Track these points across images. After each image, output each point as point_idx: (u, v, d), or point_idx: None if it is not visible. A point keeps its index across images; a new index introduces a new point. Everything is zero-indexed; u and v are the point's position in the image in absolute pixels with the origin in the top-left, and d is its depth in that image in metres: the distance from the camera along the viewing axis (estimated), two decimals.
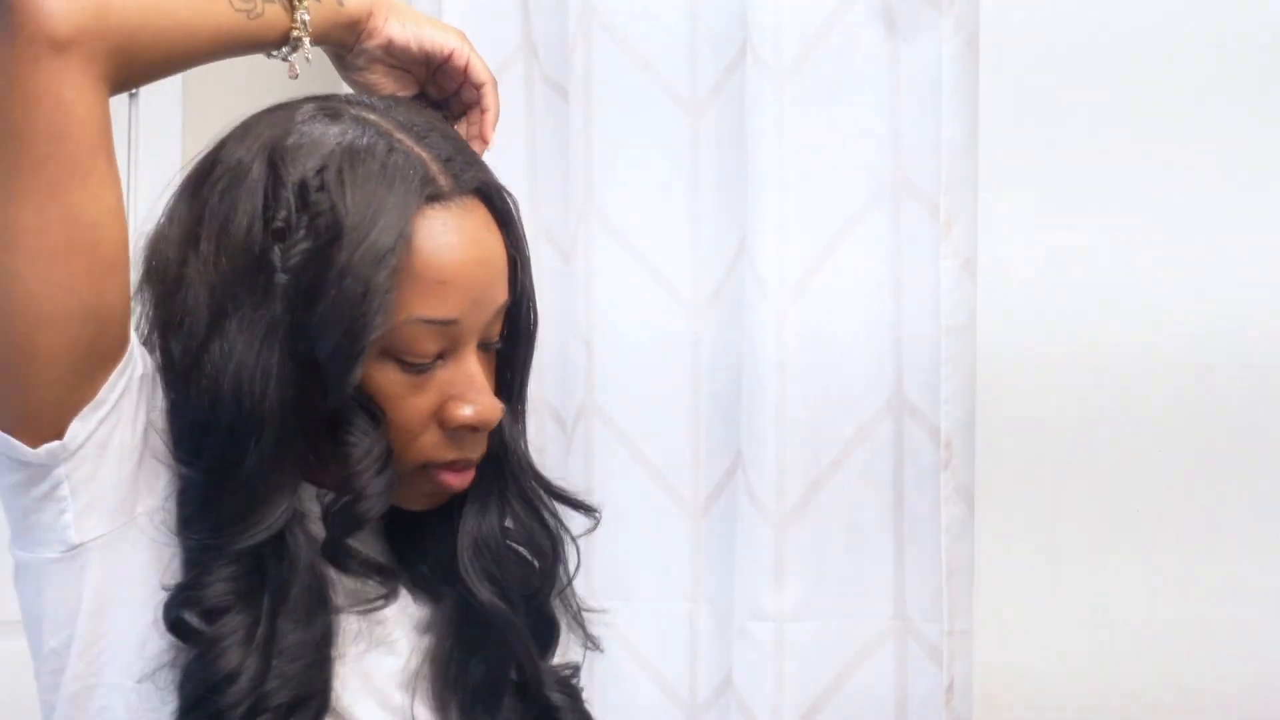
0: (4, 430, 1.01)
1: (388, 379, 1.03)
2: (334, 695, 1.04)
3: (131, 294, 1.03)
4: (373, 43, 1.15)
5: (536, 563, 1.13)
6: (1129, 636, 1.60)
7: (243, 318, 1.00)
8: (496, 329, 1.06)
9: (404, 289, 1.00)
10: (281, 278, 0.99)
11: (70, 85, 0.96)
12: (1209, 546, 1.56)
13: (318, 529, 1.05)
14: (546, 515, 1.13)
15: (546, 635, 1.16)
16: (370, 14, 1.14)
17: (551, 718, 1.14)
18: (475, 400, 1.03)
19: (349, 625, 1.07)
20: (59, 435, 1.00)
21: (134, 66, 1.02)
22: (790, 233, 1.88)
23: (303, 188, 1.00)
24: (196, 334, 1.01)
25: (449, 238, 1.01)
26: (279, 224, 0.99)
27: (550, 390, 2.09)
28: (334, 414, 1.01)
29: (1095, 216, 1.62)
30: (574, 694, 1.16)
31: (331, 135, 1.02)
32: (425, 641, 1.11)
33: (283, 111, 1.07)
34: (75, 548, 1.02)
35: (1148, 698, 1.59)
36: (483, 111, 1.17)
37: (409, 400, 1.03)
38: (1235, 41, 1.56)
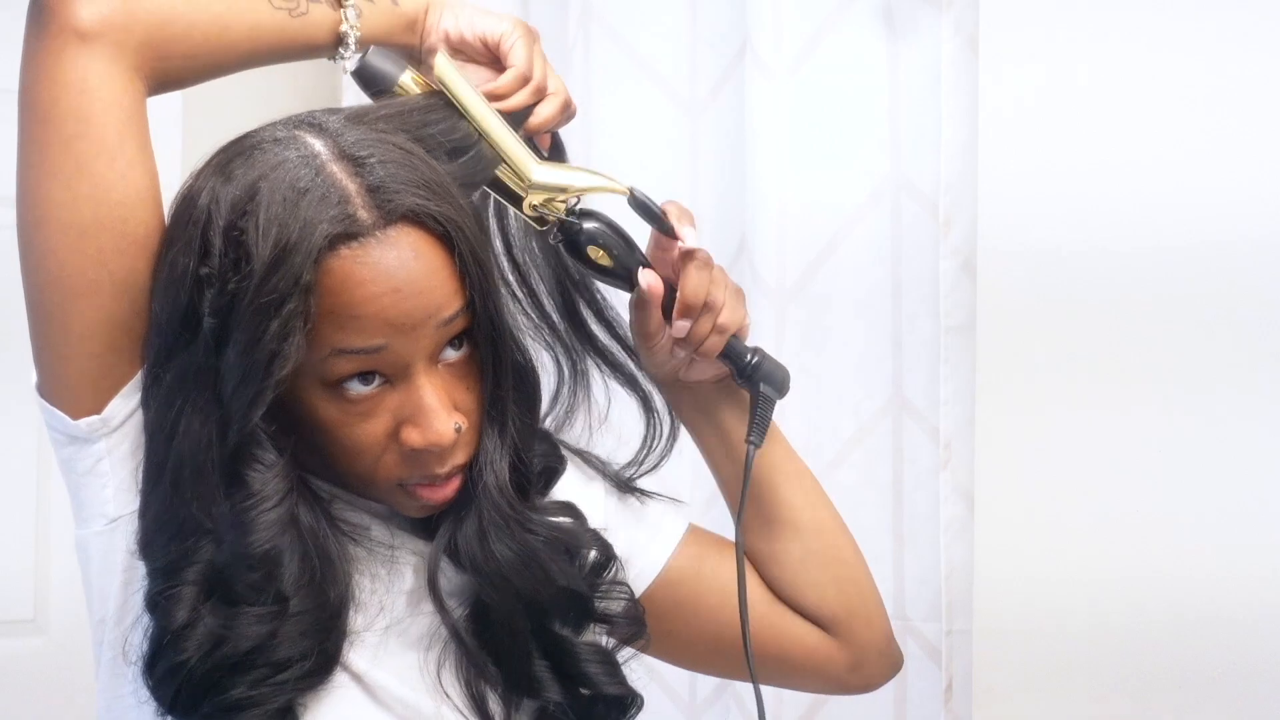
0: (49, 401, 1.06)
1: (331, 409, 1.03)
2: (352, 661, 1.07)
3: None
4: (432, 39, 1.17)
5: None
6: (1130, 637, 1.60)
7: (174, 359, 1.02)
8: (445, 339, 1.05)
9: (322, 324, 1.00)
10: (209, 323, 1.01)
11: (95, 73, 1.02)
12: (1211, 544, 1.56)
13: (310, 513, 1.06)
14: (526, 541, 1.11)
15: (579, 610, 1.15)
16: (426, 11, 1.17)
17: (590, 686, 1.15)
18: (423, 424, 1.03)
19: (372, 600, 1.10)
20: (98, 410, 1.04)
21: (169, 60, 1.06)
22: (790, 232, 1.88)
23: (229, 233, 1.01)
24: (149, 365, 1.04)
25: (361, 273, 1.00)
26: (206, 270, 1.01)
27: (550, 390, 2.09)
28: (235, 449, 1.02)
29: (1096, 217, 1.62)
30: (612, 663, 1.16)
31: (266, 169, 1.02)
32: (457, 613, 1.12)
33: (247, 139, 1.07)
34: (115, 520, 1.06)
35: (1149, 698, 1.59)
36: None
37: (359, 427, 1.04)
38: (1241, 40, 1.56)
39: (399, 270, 1.01)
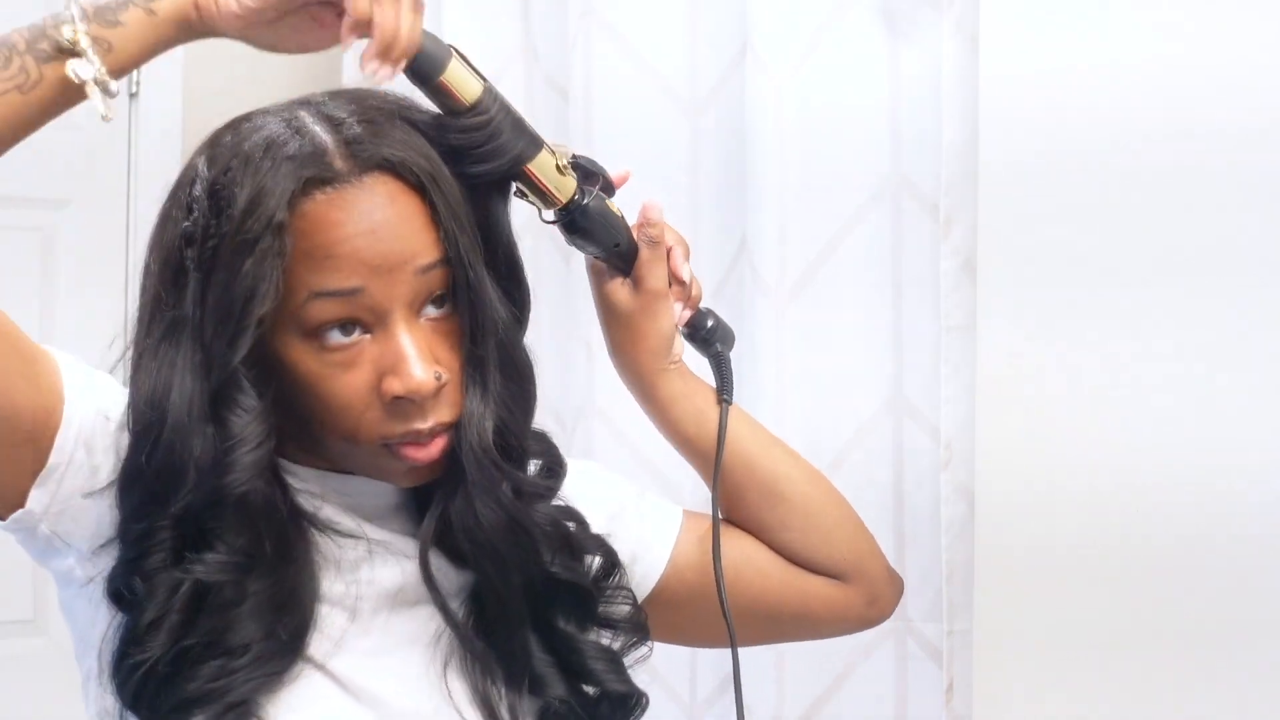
0: None
1: (312, 361, 1.04)
2: (338, 669, 1.07)
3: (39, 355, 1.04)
4: (227, 10, 1.02)
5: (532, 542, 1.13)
6: (1130, 637, 1.60)
7: (163, 318, 1.04)
8: (425, 292, 1.05)
9: (299, 267, 1.02)
10: (194, 277, 1.02)
11: None
12: (1213, 544, 1.56)
13: (269, 488, 1.06)
14: (512, 505, 1.11)
15: (583, 606, 1.16)
16: None
17: (594, 683, 1.16)
18: (403, 371, 1.03)
19: (362, 605, 1.10)
20: (21, 504, 1.04)
21: None
22: (790, 232, 1.88)
23: (212, 188, 1.03)
24: (139, 331, 1.06)
25: (336, 215, 1.02)
26: (190, 226, 1.03)
27: (550, 390, 2.09)
28: (216, 392, 1.03)
29: (1096, 217, 1.62)
30: (616, 660, 1.17)
31: (250, 133, 1.05)
32: (456, 607, 1.12)
33: (237, 117, 1.09)
34: (86, 584, 1.07)
35: (1150, 698, 1.59)
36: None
37: (340, 378, 1.04)
38: (1242, 41, 1.56)
39: (374, 212, 1.03)
